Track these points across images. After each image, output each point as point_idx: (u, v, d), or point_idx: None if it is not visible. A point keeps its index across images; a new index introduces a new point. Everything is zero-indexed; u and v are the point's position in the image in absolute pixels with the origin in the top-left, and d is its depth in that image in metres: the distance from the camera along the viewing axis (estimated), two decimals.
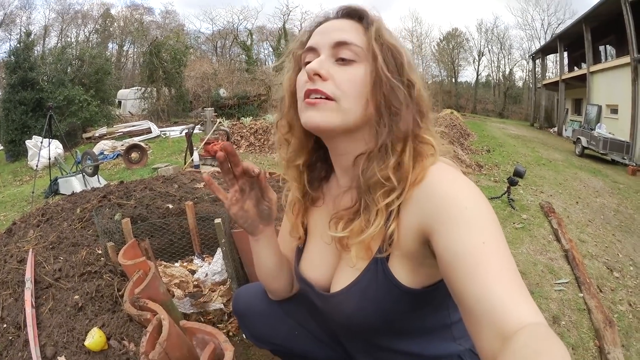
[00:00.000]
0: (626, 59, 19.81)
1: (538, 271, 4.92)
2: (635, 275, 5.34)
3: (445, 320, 1.28)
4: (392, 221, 1.12)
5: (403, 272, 1.15)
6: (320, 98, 1.14)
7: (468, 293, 0.88)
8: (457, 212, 0.97)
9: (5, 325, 2.29)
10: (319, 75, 1.14)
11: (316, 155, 1.39)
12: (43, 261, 2.79)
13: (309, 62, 1.20)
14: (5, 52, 24.04)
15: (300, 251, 1.50)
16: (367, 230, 1.14)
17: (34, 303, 2.38)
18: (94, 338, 2.09)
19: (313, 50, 1.21)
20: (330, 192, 1.39)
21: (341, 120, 1.14)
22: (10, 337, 2.21)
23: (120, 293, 2.57)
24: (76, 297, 2.45)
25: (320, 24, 1.25)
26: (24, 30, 28.76)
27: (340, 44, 1.16)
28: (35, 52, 27.18)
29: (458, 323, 1.32)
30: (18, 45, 23.40)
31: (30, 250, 2.86)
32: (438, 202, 1.01)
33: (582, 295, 4.39)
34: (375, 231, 1.13)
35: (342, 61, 1.16)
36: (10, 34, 39.30)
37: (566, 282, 4.70)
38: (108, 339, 2.15)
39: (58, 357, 2.06)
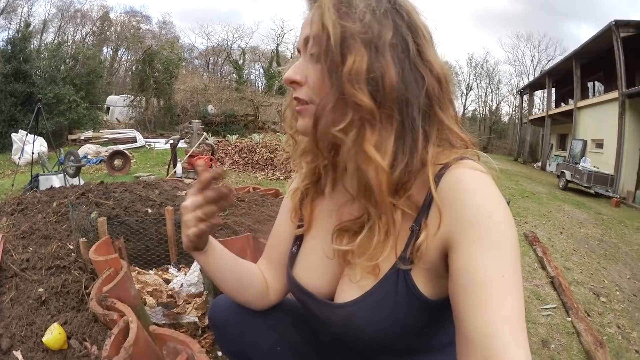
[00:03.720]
0: (614, 94, 20.37)
1: (525, 297, 4.72)
2: (622, 300, 5.47)
3: (452, 338, 1.16)
4: (422, 231, 1.01)
5: (423, 283, 1.05)
6: (303, 104, 1.09)
7: (472, 322, 0.87)
8: (487, 234, 0.91)
9: None
10: (296, 82, 1.09)
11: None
12: (11, 249, 2.68)
13: None
14: (3, 40, 23.97)
15: (294, 256, 1.38)
16: (370, 251, 1.06)
17: None
18: (53, 334, 1.95)
19: (299, 51, 1.13)
20: (339, 193, 1.26)
21: None
22: None
23: (87, 291, 2.42)
24: (40, 289, 2.32)
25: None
26: (24, 21, 28.80)
27: (307, 40, 1.07)
28: (32, 45, 27.19)
29: None
30: (16, 34, 23.37)
31: (0, 236, 2.73)
32: (471, 216, 0.93)
33: (570, 319, 4.44)
34: (384, 254, 1.05)
35: (312, 57, 1.06)
36: (10, 23, 39.24)
37: (553, 307, 4.73)
38: (69, 337, 2.01)
39: (13, 351, 1.91)
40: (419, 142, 1.00)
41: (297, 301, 1.38)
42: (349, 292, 1.15)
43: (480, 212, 0.93)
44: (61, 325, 2.03)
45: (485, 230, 0.91)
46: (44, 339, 1.93)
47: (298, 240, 1.39)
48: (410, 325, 1.09)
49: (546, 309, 4.68)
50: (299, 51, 1.12)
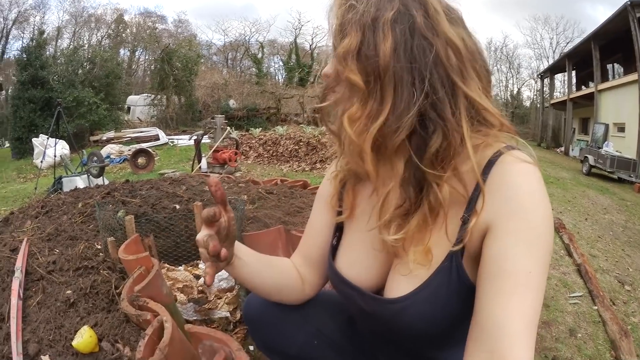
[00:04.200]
0: (634, 76, 20.18)
1: (552, 285, 4.93)
2: None
3: None
4: (473, 215, 1.01)
5: (470, 270, 1.04)
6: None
7: (490, 310, 0.90)
8: (524, 229, 0.93)
9: None
10: (326, 75, 1.16)
11: None
12: (37, 252, 2.62)
13: None
14: (18, 49, 24.46)
15: (335, 247, 1.34)
16: (420, 234, 1.08)
17: (21, 294, 2.17)
18: (83, 337, 1.88)
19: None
20: (381, 179, 1.20)
21: None
22: None
23: (117, 291, 2.35)
24: (68, 292, 2.24)
25: None
26: (38, 29, 29.19)
27: None
28: (47, 51, 27.72)
29: None
30: (31, 42, 23.76)
31: (25, 239, 2.69)
32: (513, 208, 0.95)
33: (596, 308, 4.43)
34: (435, 236, 1.07)
35: None
36: (24, 33, 39.94)
37: (580, 296, 4.72)
38: (100, 340, 1.94)
39: (41, 356, 1.84)
40: (439, 110, 0.99)
41: (340, 295, 1.35)
42: (401, 286, 1.14)
43: (523, 206, 0.94)
44: (91, 328, 1.96)
45: (524, 224, 0.93)
46: (74, 343, 1.86)
47: (337, 231, 1.35)
48: (459, 315, 1.08)
49: (573, 297, 4.68)
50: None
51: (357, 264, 1.27)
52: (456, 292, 1.05)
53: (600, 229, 8.09)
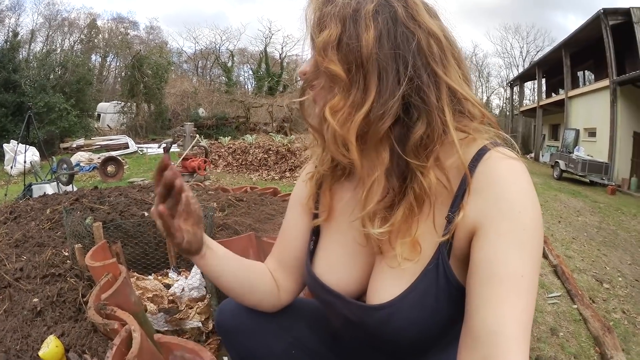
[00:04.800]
0: (605, 82, 20.71)
1: None
2: (625, 285, 5.63)
3: None
4: (459, 209, 0.98)
5: (458, 272, 1.02)
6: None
7: (482, 316, 0.88)
8: (516, 230, 0.91)
9: None
10: (304, 73, 1.15)
11: None
12: (4, 258, 2.60)
13: None
14: None
15: (312, 252, 1.30)
16: (406, 225, 1.04)
17: None
18: (49, 348, 1.84)
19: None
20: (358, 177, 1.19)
21: None
22: None
23: (85, 299, 2.32)
24: (35, 299, 2.21)
25: None
26: (12, 31, 28.88)
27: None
28: (21, 54, 27.63)
29: None
30: (4, 44, 23.53)
31: None
32: (504, 209, 0.93)
33: (575, 306, 4.53)
34: (421, 226, 1.03)
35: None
36: None
37: (558, 295, 4.83)
38: (67, 350, 1.90)
39: None
40: (423, 95, 0.98)
41: (320, 302, 1.31)
42: (385, 289, 1.10)
43: (513, 207, 0.92)
44: (58, 338, 1.92)
45: (515, 226, 0.91)
46: (40, 353, 1.83)
47: (314, 235, 1.31)
48: (449, 318, 1.05)
49: (552, 297, 4.75)
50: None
51: (337, 268, 1.24)
52: (446, 294, 1.03)
53: (574, 231, 8.26)
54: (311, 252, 1.30)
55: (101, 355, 1.90)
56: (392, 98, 0.97)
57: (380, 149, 1.06)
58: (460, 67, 1.05)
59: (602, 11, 19.70)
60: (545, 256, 6.09)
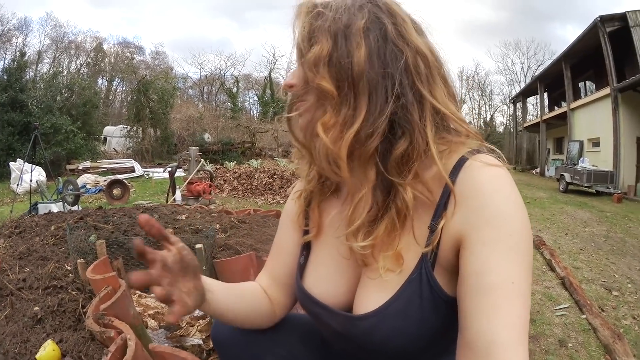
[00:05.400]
0: (606, 91, 20.54)
1: (537, 300, 4.93)
2: (634, 291, 5.47)
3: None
4: (441, 218, 0.99)
5: (445, 282, 1.02)
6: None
7: (477, 327, 0.87)
8: (501, 237, 0.91)
9: None
10: (290, 85, 1.11)
11: None
12: (8, 269, 2.68)
13: None
14: None
15: (302, 266, 1.32)
16: (389, 240, 1.04)
17: None
18: (46, 350, 1.91)
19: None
20: (346, 193, 1.22)
21: None
22: None
23: (84, 310, 2.37)
24: (36, 308, 2.28)
25: None
26: (19, 51, 29.02)
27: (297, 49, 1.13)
28: (28, 75, 27.73)
29: None
30: (12, 63, 23.67)
31: None
32: (487, 217, 0.93)
33: (584, 316, 4.42)
34: (403, 240, 1.04)
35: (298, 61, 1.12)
36: (5, 53, 39.64)
37: (567, 307, 4.69)
38: (63, 355, 1.96)
39: None
40: (407, 113, 0.99)
41: (309, 315, 1.31)
42: (370, 300, 1.11)
43: (498, 214, 0.92)
44: (56, 344, 1.98)
45: (501, 233, 0.91)
46: (37, 356, 1.89)
47: (305, 250, 1.33)
48: (438, 328, 1.06)
49: (560, 309, 4.67)
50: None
51: (325, 280, 1.25)
52: (431, 304, 1.03)
53: (581, 242, 8.14)
54: (302, 267, 1.32)
55: None
56: (381, 116, 0.97)
57: (367, 166, 1.06)
58: (446, 85, 1.06)
59: (598, 19, 19.63)
60: (552, 269, 6.04)
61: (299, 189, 1.33)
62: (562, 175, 19.14)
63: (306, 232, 1.32)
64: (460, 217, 0.96)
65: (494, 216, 0.92)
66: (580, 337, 4.00)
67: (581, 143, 23.42)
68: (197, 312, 2.85)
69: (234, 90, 47.40)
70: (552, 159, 29.60)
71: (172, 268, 1.02)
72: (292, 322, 1.49)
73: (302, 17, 1.05)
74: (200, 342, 2.67)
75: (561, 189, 18.90)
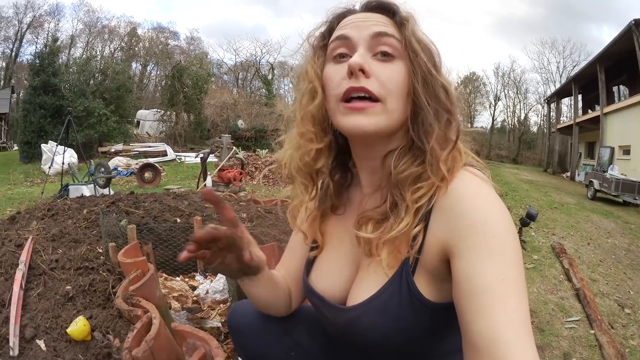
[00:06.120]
0: (638, 97, 19.98)
1: (549, 310, 4.88)
2: None
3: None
4: (419, 222, 1.05)
5: (427, 287, 1.07)
6: (364, 99, 1.05)
7: (476, 328, 0.88)
8: (484, 240, 0.93)
9: None
10: (363, 71, 1.04)
11: (337, 158, 1.29)
12: (41, 250, 2.76)
13: (342, 54, 1.11)
14: (31, 54, 24.39)
15: (310, 263, 1.40)
16: (397, 227, 1.06)
17: (23, 285, 2.33)
18: (78, 325, 2.04)
19: (346, 40, 1.10)
20: (353, 199, 1.31)
21: (387, 123, 1.07)
22: None
23: (114, 290, 2.50)
24: (68, 287, 2.40)
25: (344, 15, 1.16)
26: (52, 36, 29.28)
27: (380, 35, 1.07)
28: (60, 59, 27.89)
29: None
30: (44, 48, 23.96)
31: (30, 238, 2.84)
32: (468, 223, 0.96)
33: (593, 332, 4.35)
34: (405, 228, 1.05)
35: (383, 56, 1.07)
36: (38, 38, 40.10)
37: (577, 320, 4.66)
38: (93, 330, 2.09)
39: (37, 340, 2.00)
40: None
41: (311, 304, 1.40)
42: (359, 294, 1.17)
43: (476, 219, 0.96)
44: (86, 319, 2.12)
45: (482, 237, 0.94)
46: (69, 330, 2.02)
47: (312, 250, 1.40)
48: (414, 329, 1.11)
49: (570, 321, 4.61)
50: (345, 40, 1.11)
51: (326, 276, 1.31)
52: (408, 305, 1.07)
53: (602, 253, 7.90)
54: (311, 263, 1.39)
55: (123, 336, 2.10)
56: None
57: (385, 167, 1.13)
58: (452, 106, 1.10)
59: (633, 22, 18.99)
60: (569, 279, 5.93)
61: (305, 216, 1.37)
62: (591, 181, 18.34)
63: (314, 247, 1.38)
64: (442, 225, 1.01)
65: (474, 222, 0.95)
66: (586, 353, 3.99)
67: (612, 150, 22.63)
68: (218, 297, 2.97)
69: (269, 77, 47.01)
70: (583, 164, 28.73)
71: (222, 240, 1.09)
72: (302, 314, 1.57)
73: (420, 28, 1.11)
74: (219, 325, 2.79)
75: (589, 196, 18.13)
